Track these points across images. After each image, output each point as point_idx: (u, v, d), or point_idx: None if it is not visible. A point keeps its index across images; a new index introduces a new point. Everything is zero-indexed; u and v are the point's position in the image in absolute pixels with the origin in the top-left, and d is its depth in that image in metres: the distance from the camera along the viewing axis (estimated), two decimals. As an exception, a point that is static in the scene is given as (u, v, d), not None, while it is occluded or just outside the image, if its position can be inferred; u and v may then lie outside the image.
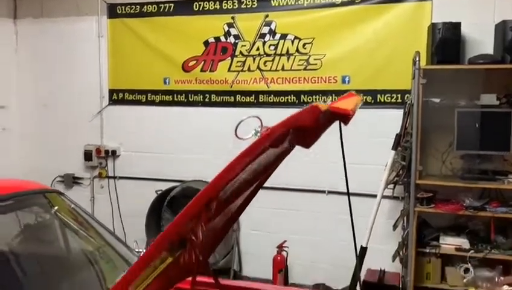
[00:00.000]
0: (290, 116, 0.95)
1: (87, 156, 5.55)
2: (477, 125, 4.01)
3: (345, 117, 1.21)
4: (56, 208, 2.58)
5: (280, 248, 4.78)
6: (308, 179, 4.93)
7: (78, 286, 2.42)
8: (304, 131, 1.01)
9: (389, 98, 4.59)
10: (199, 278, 2.53)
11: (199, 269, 2.31)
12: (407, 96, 4.33)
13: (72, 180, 5.67)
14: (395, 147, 4.15)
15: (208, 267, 2.37)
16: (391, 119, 4.43)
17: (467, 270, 4.08)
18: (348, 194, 2.02)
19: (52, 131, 5.75)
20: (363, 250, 4.06)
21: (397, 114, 4.36)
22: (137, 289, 1.47)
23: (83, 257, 2.78)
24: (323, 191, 4.91)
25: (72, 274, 2.53)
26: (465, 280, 4.09)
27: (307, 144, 1.34)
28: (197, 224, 1.43)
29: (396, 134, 4.15)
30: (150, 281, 1.52)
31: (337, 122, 1.48)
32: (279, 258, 4.78)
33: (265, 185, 5.14)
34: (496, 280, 4.04)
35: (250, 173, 1.74)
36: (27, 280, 2.33)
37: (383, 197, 4.40)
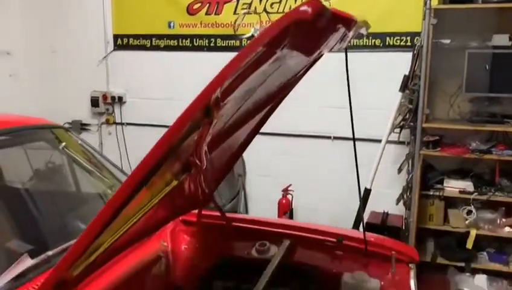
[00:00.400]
0: (290, 10, 0.93)
1: (94, 102, 5.57)
2: (487, 67, 3.93)
3: (348, 22, 1.17)
4: (64, 144, 2.60)
5: (285, 191, 4.86)
6: (314, 125, 4.93)
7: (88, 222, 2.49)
8: (304, 31, 0.99)
9: (398, 40, 4.49)
10: (205, 212, 2.60)
11: (205, 201, 2.37)
12: (417, 39, 4.23)
13: (80, 127, 5.72)
14: (402, 88, 4.11)
15: (214, 200, 2.42)
16: (400, 62, 4.34)
17: (469, 212, 4.13)
18: (353, 131, 2.03)
19: (59, 77, 5.74)
20: (367, 192, 4.11)
21: (407, 57, 4.27)
22: (142, 209, 1.50)
23: (93, 194, 2.84)
24: (329, 137, 4.92)
25: (82, 210, 2.59)
26: (467, 222, 4.15)
27: (308, 50, 1.31)
28: (200, 144, 1.45)
29: (404, 75, 4.09)
30: (156, 201, 1.55)
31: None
32: (284, 201, 4.86)
33: (272, 130, 5.16)
34: (498, 221, 4.09)
35: (252, 99, 1.74)
36: (37, 214, 2.39)
37: (389, 142, 4.41)
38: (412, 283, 2.09)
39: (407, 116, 4.17)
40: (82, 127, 5.75)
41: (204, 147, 1.57)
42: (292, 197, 4.90)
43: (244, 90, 1.36)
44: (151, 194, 1.50)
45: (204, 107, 1.11)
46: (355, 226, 4.10)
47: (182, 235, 2.48)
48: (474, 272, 4.15)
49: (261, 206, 5.26)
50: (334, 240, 2.34)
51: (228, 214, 2.60)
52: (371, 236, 2.42)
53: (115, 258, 1.96)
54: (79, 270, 1.39)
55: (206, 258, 2.36)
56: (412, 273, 2.16)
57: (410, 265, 2.24)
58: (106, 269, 1.89)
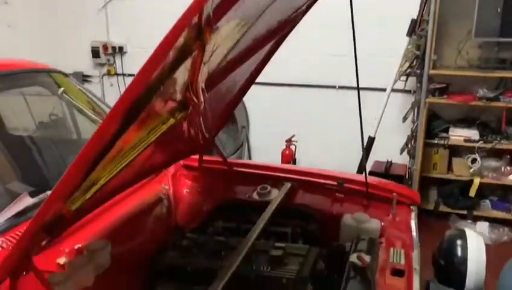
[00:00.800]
0: None
1: (95, 53, 5.47)
2: (499, 10, 3.77)
3: None
4: (62, 89, 2.56)
5: (289, 141, 4.84)
6: (319, 74, 4.84)
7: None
8: None
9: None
10: (207, 157, 2.59)
11: (205, 146, 2.35)
12: (427, -19, 4.05)
13: (81, 78, 5.66)
14: (409, 33, 3.98)
15: (215, 145, 2.40)
16: (408, 5, 4.17)
17: (474, 161, 4.11)
18: (357, 78, 1.96)
19: (59, 28, 5.62)
20: (371, 140, 4.08)
21: (415, 1, 4.11)
22: (137, 146, 1.48)
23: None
24: (333, 87, 4.84)
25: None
26: (471, 170, 4.14)
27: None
28: (195, 77, 1.40)
29: (412, 19, 3.95)
30: (153, 139, 1.53)
31: None
32: (287, 152, 4.86)
33: (275, 80, 5.06)
34: (502, 169, 4.08)
35: (252, 34, 1.68)
36: (37, 158, 2.38)
37: (395, 90, 4.33)
38: (413, 224, 2.09)
39: (413, 63, 4.07)
40: (84, 78, 5.69)
41: (201, 83, 1.53)
42: (295, 147, 4.89)
43: (240, 18, 1.30)
44: (145, 130, 1.47)
45: (195, 27, 1.06)
46: (359, 173, 4.09)
47: (183, 180, 2.48)
48: (476, 219, 4.19)
49: (264, 157, 5.26)
50: (335, 183, 2.34)
51: (230, 159, 2.59)
52: (373, 179, 2.40)
53: (115, 198, 1.97)
54: (77, 206, 1.39)
55: (207, 201, 2.37)
56: (413, 215, 2.16)
57: (411, 207, 2.23)
58: (107, 209, 1.90)
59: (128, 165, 1.57)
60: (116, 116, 1.09)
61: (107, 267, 1.64)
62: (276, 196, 2.23)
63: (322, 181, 2.37)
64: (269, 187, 2.37)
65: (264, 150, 5.27)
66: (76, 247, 1.66)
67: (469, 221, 4.15)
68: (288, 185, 2.32)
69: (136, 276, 1.80)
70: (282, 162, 4.86)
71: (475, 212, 4.21)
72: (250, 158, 5.40)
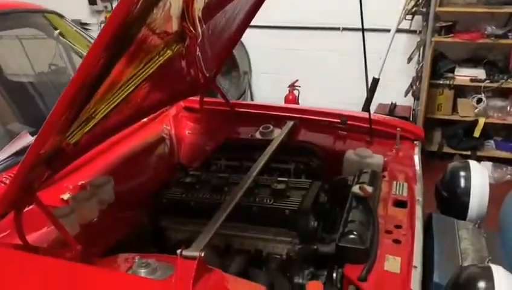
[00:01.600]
0: None
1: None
2: None
3: None
4: (58, 30, 2.49)
5: (292, 86, 4.78)
6: (322, 16, 4.69)
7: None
8: None
9: None
10: (208, 99, 2.56)
11: (206, 85, 2.31)
12: None
13: (79, 27, 5.52)
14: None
15: (215, 84, 2.36)
16: None
17: (479, 101, 4.06)
18: (362, 18, 1.88)
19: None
20: (375, 81, 4.01)
21: None
22: (133, 78, 1.45)
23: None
24: (337, 29, 4.71)
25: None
26: (476, 110, 4.09)
27: None
28: (191, 5, 1.35)
29: (419, -48, 3.78)
30: (150, 71, 1.49)
31: None
32: (290, 97, 4.81)
33: (277, 23, 4.93)
34: (508, 109, 4.03)
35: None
36: (34, 100, 2.34)
37: (400, 31, 4.21)
38: (416, 158, 2.08)
39: (419, 0, 3.92)
40: (82, 26, 5.55)
41: (197, 12, 1.47)
42: (299, 92, 4.83)
43: None
44: (140, 63, 1.43)
45: None
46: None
47: (185, 121, 2.46)
48: (480, 160, 4.18)
49: (267, 102, 5.21)
50: (338, 120, 2.31)
51: (231, 100, 2.55)
52: (377, 116, 2.38)
53: (117, 136, 1.96)
54: (76, 139, 1.38)
55: (209, 142, 2.36)
56: (417, 150, 2.14)
57: (415, 142, 2.22)
58: (109, 148, 1.90)
59: (126, 100, 1.54)
60: (101, 46, 1.04)
61: (111, 203, 1.65)
62: (278, 134, 2.21)
63: (325, 119, 2.35)
64: (272, 126, 2.35)
65: (267, 96, 5.22)
66: (79, 183, 1.68)
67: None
68: (290, 123, 2.30)
69: (140, 212, 1.81)
70: (285, 108, 4.82)
71: (479, 153, 4.20)
72: (252, 105, 5.35)
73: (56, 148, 1.34)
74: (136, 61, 1.40)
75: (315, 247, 1.66)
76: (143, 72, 1.47)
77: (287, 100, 4.82)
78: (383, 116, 2.44)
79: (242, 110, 2.47)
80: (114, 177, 1.74)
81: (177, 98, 2.19)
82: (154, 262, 1.33)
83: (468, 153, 4.18)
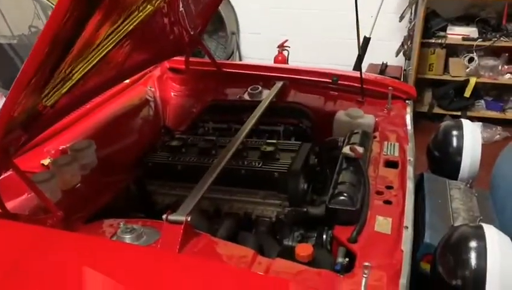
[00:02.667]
0: None
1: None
2: None
3: None
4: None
5: (281, 47, 4.65)
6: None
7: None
8: None
9: None
10: (194, 59, 2.47)
11: (191, 44, 2.22)
12: None
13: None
14: None
15: (201, 43, 2.26)
16: None
17: (471, 60, 4.00)
18: None
19: None
20: (366, 40, 3.92)
21: None
22: (111, 35, 1.36)
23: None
24: (328, -14, 4.56)
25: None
26: (467, 70, 4.04)
27: None
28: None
29: None
30: (130, 28, 1.40)
31: None
32: (280, 58, 4.69)
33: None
34: (500, 68, 3.98)
35: None
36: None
37: (392, -13, 4.09)
38: (408, 117, 2.04)
39: (414, -45, 3.78)
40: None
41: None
42: (288, 53, 4.71)
43: None
44: (118, 19, 1.34)
45: None
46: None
47: (170, 83, 2.38)
48: (470, 120, 4.11)
49: (256, 64, 5.10)
50: (329, 80, 2.24)
51: (219, 60, 2.46)
52: (369, 75, 2.31)
53: (99, 100, 1.89)
54: (52, 101, 1.30)
55: (196, 104, 2.29)
56: (408, 109, 2.10)
57: (407, 102, 2.17)
58: (90, 111, 1.83)
59: (106, 60, 1.46)
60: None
61: (93, 167, 1.59)
62: (267, 94, 2.14)
63: (316, 79, 2.28)
64: (260, 87, 2.27)
65: (256, 57, 5.09)
66: (60, 148, 1.61)
67: (465, 122, 4.12)
68: (279, 83, 2.23)
69: (126, 177, 1.76)
70: (274, 69, 4.72)
71: (469, 113, 4.18)
72: (241, 67, 5.23)
73: (31, 110, 1.26)
74: (113, 17, 1.31)
75: (305, 209, 1.64)
76: (122, 28, 1.38)
77: (276, 61, 4.70)
78: (375, 75, 2.38)
79: (229, 70, 2.38)
80: (96, 141, 1.67)
81: (161, 58, 2.10)
82: (140, 227, 1.29)
83: (459, 113, 4.16)
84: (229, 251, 1.25)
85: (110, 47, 1.40)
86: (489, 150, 2.20)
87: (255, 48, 5.12)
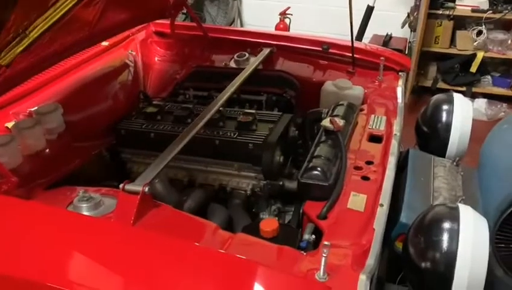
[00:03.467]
0: None
1: None
2: None
3: None
4: None
5: (283, 14, 4.49)
6: None
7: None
8: None
9: None
10: (181, 23, 2.36)
11: (176, 7, 2.11)
12: None
13: None
14: None
15: (186, 3, 2.15)
16: None
17: (479, 33, 3.82)
18: None
19: None
20: (369, 9, 3.75)
21: None
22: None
23: None
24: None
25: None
26: (475, 44, 3.87)
27: None
28: None
29: None
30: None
31: None
32: (281, 26, 4.54)
33: None
34: (509, 42, 3.81)
35: None
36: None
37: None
38: (399, 90, 1.93)
39: None
40: None
41: None
42: (290, 21, 4.56)
43: None
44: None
45: None
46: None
47: (154, 47, 2.28)
48: (475, 96, 4.03)
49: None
50: (319, 48, 2.13)
51: (206, 25, 2.35)
52: (361, 45, 2.20)
53: (73, 61, 1.81)
54: (8, 60, 1.22)
55: (180, 70, 2.20)
56: (401, 81, 1.99)
57: (400, 73, 2.06)
58: (62, 73, 1.75)
59: (72, 19, 1.37)
60: None
61: (61, 132, 1.53)
62: (250, 61, 2.04)
63: (306, 46, 2.17)
64: (247, 54, 2.17)
65: (257, 24, 4.94)
66: (27, 111, 1.54)
67: (467, 98, 3.98)
68: (266, 50, 2.12)
69: (98, 143, 1.70)
70: (275, 38, 4.58)
71: (474, 89, 4.03)
72: (242, 34, 5.09)
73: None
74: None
75: (280, 183, 1.57)
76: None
77: (277, 29, 4.55)
78: (368, 44, 2.25)
79: (216, 36, 2.27)
80: (67, 104, 1.60)
81: (141, 20, 2.00)
82: (98, 196, 1.24)
83: (463, 89, 4.01)
84: (188, 224, 1.19)
85: (72, 3, 1.31)
86: (491, 128, 2.08)
87: (257, 15, 4.96)
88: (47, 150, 1.47)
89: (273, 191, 1.58)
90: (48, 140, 1.49)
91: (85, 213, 1.19)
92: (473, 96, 4.02)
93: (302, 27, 4.63)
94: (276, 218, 1.43)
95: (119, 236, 1.05)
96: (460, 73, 4.04)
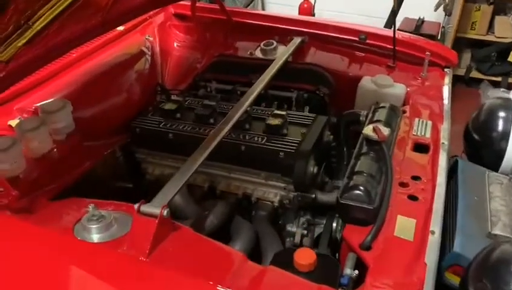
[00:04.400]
0: None
1: None
2: None
3: None
4: None
5: (308, -7, 4.25)
6: None
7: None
8: None
9: None
10: (203, 5, 2.16)
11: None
12: None
13: None
14: None
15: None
16: None
17: (521, 19, 3.54)
18: None
19: None
20: (403, -8, 3.48)
21: None
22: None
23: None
24: None
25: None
26: (516, 30, 3.59)
27: None
28: None
29: None
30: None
31: None
32: (305, 5, 4.29)
33: None
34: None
35: None
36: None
37: None
38: (446, 89, 1.73)
39: None
40: None
41: None
42: (315, 1, 4.31)
43: None
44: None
45: None
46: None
47: (174, 31, 2.09)
48: (510, 87, 3.77)
49: (279, 11, 4.70)
50: (356, 38, 1.92)
51: (230, 7, 2.15)
52: (403, 35, 1.98)
53: (82, 50, 1.63)
54: (7, 55, 1.05)
55: (201, 58, 2.01)
56: (447, 79, 1.78)
57: (446, 70, 1.84)
58: (71, 65, 1.58)
59: (83, 4, 1.19)
60: None
61: (70, 132, 1.36)
62: (281, 52, 1.84)
63: (340, 36, 1.96)
64: (275, 43, 1.97)
65: (279, 3, 4.70)
66: (33, 107, 1.38)
67: (502, 89, 3.73)
68: (297, 40, 1.92)
69: (112, 142, 1.54)
70: (298, 18, 4.34)
71: (510, 80, 3.77)
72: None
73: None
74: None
75: (313, 196, 1.40)
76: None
77: (301, 10, 4.31)
78: (410, 35, 2.03)
79: (241, 20, 2.07)
80: (77, 99, 1.44)
81: (160, 1, 1.80)
82: (110, 214, 1.08)
83: (499, 79, 3.75)
84: (213, 253, 1.03)
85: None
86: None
87: (279, -7, 4.71)
88: (54, 153, 1.31)
89: (304, 203, 1.42)
90: (56, 141, 1.33)
91: (94, 236, 1.03)
92: (509, 87, 3.76)
93: (328, 7, 4.39)
94: (313, 250, 1.25)
95: (131, 273, 0.90)
96: (496, 62, 3.78)
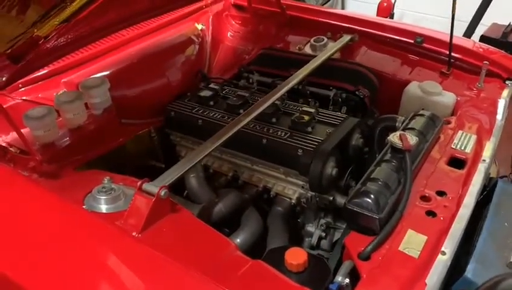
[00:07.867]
0: None
1: None
2: None
3: None
4: None
5: (388, -9, 4.08)
6: None
7: None
8: None
9: None
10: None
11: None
12: None
13: None
14: None
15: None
16: None
17: None
18: None
19: None
20: (489, -5, 3.21)
21: None
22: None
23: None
24: None
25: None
26: None
27: None
28: None
29: None
30: None
31: None
32: (385, 4, 4.13)
33: None
34: None
35: None
36: None
37: None
38: (502, 103, 1.57)
39: None
40: None
41: None
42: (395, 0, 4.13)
43: None
44: None
45: None
46: (465, 36, 3.35)
47: (230, 21, 2.12)
48: None
49: (358, 7, 4.57)
50: (412, 41, 1.82)
51: (287, 1, 2.13)
52: (464, 41, 1.83)
53: (130, 34, 1.72)
54: (45, 31, 1.15)
55: (251, 49, 2.02)
56: (506, 92, 1.62)
57: (507, 82, 1.68)
58: (116, 47, 1.67)
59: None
60: None
61: (106, 107, 1.46)
62: (327, 49, 1.80)
63: (395, 37, 1.86)
64: (326, 39, 1.93)
65: (359, 0, 4.56)
66: (77, 81, 1.49)
67: None
68: (347, 37, 1.86)
69: (149, 123, 1.61)
70: (377, 15, 4.18)
71: None
72: (343, 8, 4.74)
73: (21, 39, 1.13)
74: None
75: (331, 198, 1.36)
76: None
77: (380, 8, 4.16)
78: (473, 41, 1.87)
79: (295, 14, 2.05)
80: (119, 79, 1.53)
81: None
82: (120, 188, 1.14)
83: None
84: (205, 237, 1.05)
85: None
86: None
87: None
88: (89, 125, 1.41)
89: (322, 205, 1.38)
90: (91, 115, 1.43)
91: (103, 206, 1.10)
92: None
93: (408, 7, 4.19)
94: (310, 250, 1.24)
95: (118, 246, 0.95)
96: None
